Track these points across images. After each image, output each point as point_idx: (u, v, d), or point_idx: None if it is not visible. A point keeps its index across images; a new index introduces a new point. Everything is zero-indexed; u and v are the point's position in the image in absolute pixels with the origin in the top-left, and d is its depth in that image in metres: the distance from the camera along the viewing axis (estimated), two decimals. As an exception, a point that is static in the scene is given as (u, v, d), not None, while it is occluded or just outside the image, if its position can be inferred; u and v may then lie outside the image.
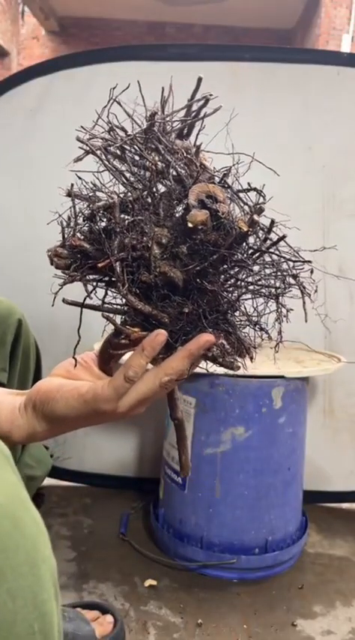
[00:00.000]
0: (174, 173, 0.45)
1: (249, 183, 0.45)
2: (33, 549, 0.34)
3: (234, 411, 1.08)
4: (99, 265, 0.44)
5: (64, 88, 1.31)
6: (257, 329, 0.47)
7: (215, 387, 1.07)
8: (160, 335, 0.43)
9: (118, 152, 0.46)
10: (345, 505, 1.45)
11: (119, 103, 0.45)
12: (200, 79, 0.46)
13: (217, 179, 0.46)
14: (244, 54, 1.26)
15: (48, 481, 1.45)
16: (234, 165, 0.45)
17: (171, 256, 0.44)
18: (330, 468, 1.41)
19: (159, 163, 0.44)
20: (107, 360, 0.52)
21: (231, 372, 0.46)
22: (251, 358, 0.47)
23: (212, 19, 7.42)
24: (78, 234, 0.46)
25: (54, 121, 1.33)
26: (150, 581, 1.09)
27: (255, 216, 0.42)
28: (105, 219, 0.45)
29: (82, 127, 0.44)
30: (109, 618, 0.94)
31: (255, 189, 0.45)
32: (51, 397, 0.47)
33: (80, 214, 0.46)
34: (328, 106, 1.30)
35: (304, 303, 0.45)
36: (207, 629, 0.98)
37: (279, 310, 0.45)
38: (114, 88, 0.45)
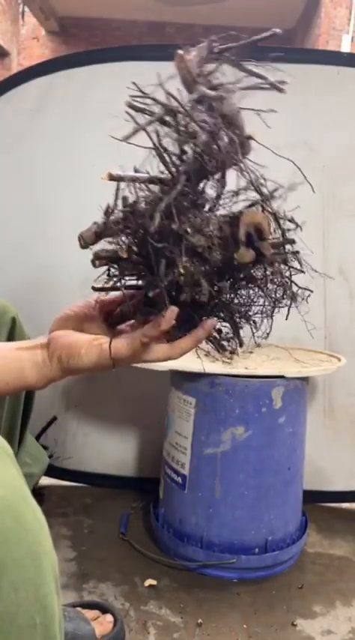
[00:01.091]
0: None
1: (285, 214, 0.48)
2: (34, 543, 0.34)
3: (234, 411, 1.08)
4: (151, 295, 0.48)
5: (64, 88, 1.31)
6: (251, 322, 0.54)
7: (215, 387, 1.08)
8: (173, 312, 0.50)
9: (170, 120, 0.46)
10: (345, 505, 1.45)
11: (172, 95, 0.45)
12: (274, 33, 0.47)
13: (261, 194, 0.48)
14: (244, 54, 1.26)
15: (48, 481, 1.46)
16: (281, 188, 0.48)
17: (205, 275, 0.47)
18: (330, 467, 1.42)
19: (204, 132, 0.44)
20: (116, 319, 0.59)
21: (224, 358, 0.51)
22: (241, 344, 0.55)
23: (212, 19, 7.42)
24: (122, 244, 0.48)
25: (54, 121, 1.33)
26: (150, 581, 1.09)
27: (290, 259, 0.46)
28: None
29: (131, 97, 0.45)
30: (109, 618, 0.94)
31: (291, 219, 0.48)
32: (76, 352, 0.54)
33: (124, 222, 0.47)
34: (328, 106, 1.30)
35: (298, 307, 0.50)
36: (207, 628, 0.98)
37: (274, 310, 0.50)
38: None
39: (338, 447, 1.40)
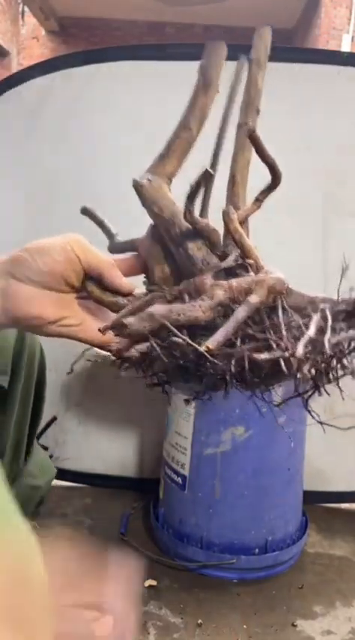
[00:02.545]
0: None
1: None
2: None
3: (234, 411, 1.07)
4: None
5: (64, 88, 1.31)
6: None
7: (215, 387, 1.07)
8: None
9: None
10: (345, 505, 1.45)
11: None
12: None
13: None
14: (244, 54, 1.26)
15: (48, 481, 1.45)
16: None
17: None
18: (330, 468, 1.41)
19: None
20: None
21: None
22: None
23: (212, 19, 7.42)
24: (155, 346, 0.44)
25: (54, 121, 1.33)
26: (150, 582, 1.09)
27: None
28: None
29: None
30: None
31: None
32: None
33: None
34: (328, 106, 1.30)
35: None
36: (207, 629, 0.98)
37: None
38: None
39: (338, 448, 1.40)
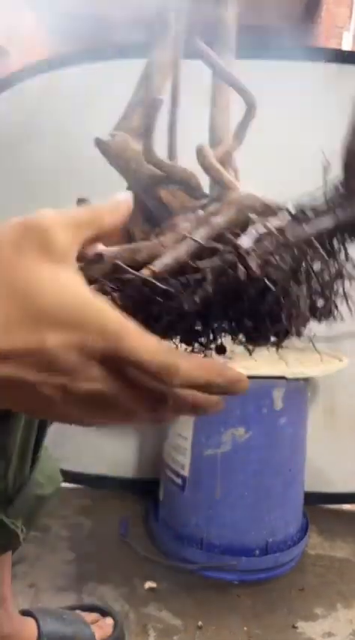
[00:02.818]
0: None
1: None
2: None
3: (234, 412, 1.07)
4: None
5: (63, 87, 1.31)
6: None
7: (215, 387, 1.07)
8: None
9: None
10: (346, 506, 1.44)
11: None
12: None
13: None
14: (244, 52, 1.25)
15: (47, 482, 1.45)
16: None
17: None
18: (331, 469, 1.41)
19: None
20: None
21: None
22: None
23: (212, 18, 7.40)
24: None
25: (53, 119, 1.32)
26: (149, 583, 1.08)
27: None
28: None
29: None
30: (109, 621, 0.93)
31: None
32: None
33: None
34: (329, 104, 1.29)
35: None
36: (207, 631, 0.97)
37: None
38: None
39: (339, 448, 1.40)
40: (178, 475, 1.14)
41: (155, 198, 0.43)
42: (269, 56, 1.25)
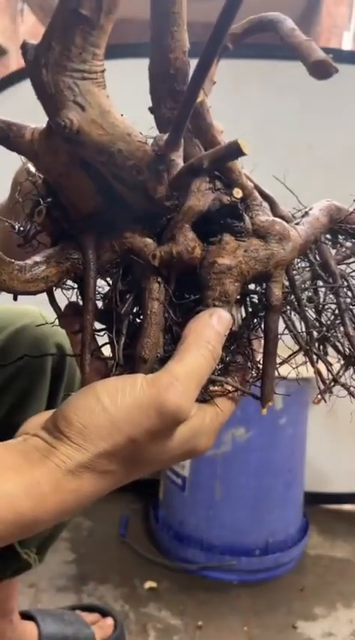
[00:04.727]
0: None
1: None
2: None
3: (234, 412, 1.07)
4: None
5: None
6: None
7: (215, 387, 1.07)
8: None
9: None
10: (346, 506, 1.44)
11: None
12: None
13: None
14: (244, 52, 1.25)
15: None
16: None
17: None
18: (331, 469, 1.41)
19: None
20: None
21: None
22: None
23: (212, 18, 7.38)
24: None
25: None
26: (150, 583, 1.08)
27: None
28: None
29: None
30: (109, 621, 0.93)
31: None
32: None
33: None
34: (329, 104, 1.29)
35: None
36: (208, 631, 0.97)
37: None
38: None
39: (339, 449, 1.39)
40: (178, 475, 1.13)
41: (143, 190, 0.37)
42: (269, 56, 1.25)
